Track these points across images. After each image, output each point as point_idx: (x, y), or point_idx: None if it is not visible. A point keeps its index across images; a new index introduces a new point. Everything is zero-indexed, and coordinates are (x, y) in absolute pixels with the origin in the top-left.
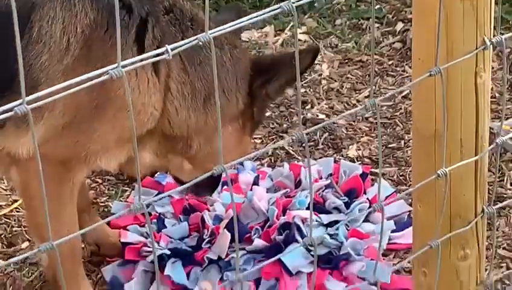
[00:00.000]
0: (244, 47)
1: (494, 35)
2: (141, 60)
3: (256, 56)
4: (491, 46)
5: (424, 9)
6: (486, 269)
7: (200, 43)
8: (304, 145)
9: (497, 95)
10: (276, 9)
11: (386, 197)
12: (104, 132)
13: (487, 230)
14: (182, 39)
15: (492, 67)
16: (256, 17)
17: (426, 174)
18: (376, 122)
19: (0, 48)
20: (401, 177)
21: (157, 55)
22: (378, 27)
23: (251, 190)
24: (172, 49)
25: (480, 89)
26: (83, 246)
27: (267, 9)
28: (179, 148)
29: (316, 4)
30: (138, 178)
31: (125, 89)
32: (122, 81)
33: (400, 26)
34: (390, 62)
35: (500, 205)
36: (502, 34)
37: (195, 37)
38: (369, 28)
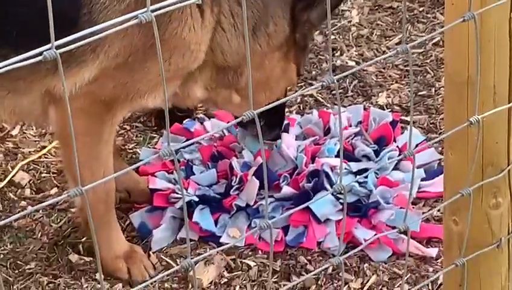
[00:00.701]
0: None
1: None
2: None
3: None
4: None
5: None
6: None
7: None
8: (333, 92)
9: None
10: None
11: (416, 145)
12: (155, 72)
13: None
14: None
15: None
16: None
17: (458, 121)
18: (406, 70)
19: None
20: (431, 125)
21: None
22: None
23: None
24: None
25: None
26: None
27: None
28: (229, 80)
29: None
30: (167, 124)
31: (180, 30)
32: (179, 23)
33: None
34: (421, 9)
35: None
36: None
37: None
38: None
